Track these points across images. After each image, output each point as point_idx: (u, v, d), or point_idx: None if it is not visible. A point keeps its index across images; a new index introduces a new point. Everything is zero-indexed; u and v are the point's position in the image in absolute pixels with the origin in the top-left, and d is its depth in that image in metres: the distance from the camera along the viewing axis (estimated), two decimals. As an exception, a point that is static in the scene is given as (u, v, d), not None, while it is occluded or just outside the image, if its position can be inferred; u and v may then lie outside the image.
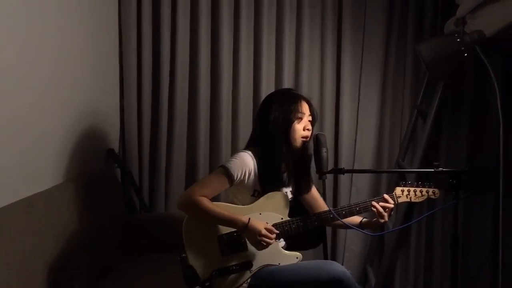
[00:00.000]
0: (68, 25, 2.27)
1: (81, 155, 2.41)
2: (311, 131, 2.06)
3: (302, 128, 2.03)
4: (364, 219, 2.13)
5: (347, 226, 2.13)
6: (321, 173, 1.95)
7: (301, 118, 2.03)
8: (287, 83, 3.08)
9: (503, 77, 2.91)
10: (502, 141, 2.35)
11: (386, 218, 2.02)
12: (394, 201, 2.06)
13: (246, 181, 1.99)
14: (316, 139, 1.97)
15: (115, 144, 2.89)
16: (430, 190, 2.09)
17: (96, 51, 2.61)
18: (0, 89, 1.71)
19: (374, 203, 2.03)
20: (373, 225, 2.09)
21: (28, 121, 1.91)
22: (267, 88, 3.05)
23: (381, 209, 2.01)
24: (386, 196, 2.05)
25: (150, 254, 2.57)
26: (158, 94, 2.97)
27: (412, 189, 2.08)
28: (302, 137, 2.03)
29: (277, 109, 2.02)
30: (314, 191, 2.22)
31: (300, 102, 2.05)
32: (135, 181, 2.91)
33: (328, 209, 2.06)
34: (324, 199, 2.19)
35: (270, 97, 2.13)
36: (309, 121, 2.06)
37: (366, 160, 3.19)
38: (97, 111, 2.63)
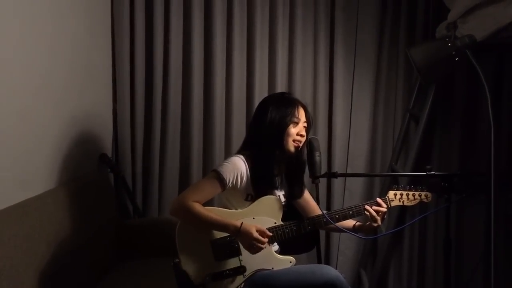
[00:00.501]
0: (60, 28, 2.26)
1: (73, 160, 2.40)
2: (305, 136, 2.06)
3: (295, 133, 2.03)
4: (357, 223, 2.14)
5: (340, 230, 2.14)
6: (315, 177, 1.95)
7: (296, 123, 2.04)
8: (280, 86, 3.09)
9: (494, 81, 2.93)
10: (494, 144, 2.36)
11: (379, 222, 2.03)
12: (387, 204, 2.07)
13: (239, 185, 1.99)
14: (309, 143, 1.97)
15: (108, 149, 2.88)
16: (423, 193, 2.10)
17: (89, 54, 2.61)
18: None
19: (367, 207, 2.04)
20: (366, 229, 2.10)
21: (20, 125, 1.90)
22: (260, 91, 3.06)
23: (374, 213, 2.02)
24: (379, 200, 2.06)
25: (143, 259, 2.56)
26: (151, 98, 2.97)
27: (404, 192, 2.09)
28: (294, 141, 2.04)
29: (273, 111, 2.03)
30: (306, 194, 2.22)
31: (297, 107, 2.06)
32: (128, 186, 2.90)
33: (321, 212, 2.06)
34: (318, 203, 2.19)
35: (266, 100, 2.14)
36: (304, 127, 2.07)
37: (359, 164, 3.20)
38: (90, 115, 2.62)
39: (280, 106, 2.04)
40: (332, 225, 2.06)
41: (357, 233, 2.13)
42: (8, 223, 1.69)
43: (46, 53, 2.12)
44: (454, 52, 2.33)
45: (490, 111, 2.26)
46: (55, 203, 2.06)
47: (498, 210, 2.45)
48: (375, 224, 2.04)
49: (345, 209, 2.06)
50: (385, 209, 2.04)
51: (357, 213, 2.06)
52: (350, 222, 2.15)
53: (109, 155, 2.85)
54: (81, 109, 2.51)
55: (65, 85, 2.31)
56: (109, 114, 2.93)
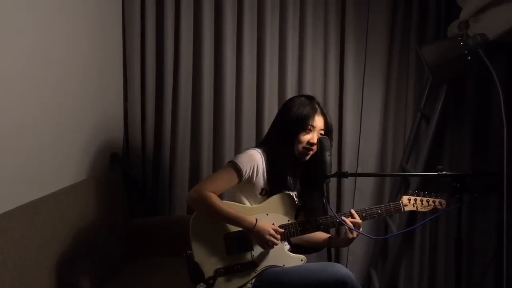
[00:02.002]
0: (72, 30, 2.28)
1: (85, 159, 2.41)
2: (315, 146, 2.03)
3: (306, 140, 2.03)
4: (333, 236, 2.15)
5: (315, 244, 2.19)
6: (325, 177, 1.95)
7: (309, 131, 2.03)
8: (290, 85, 3.08)
9: (507, 80, 2.90)
10: (506, 144, 2.34)
11: (355, 234, 2.01)
12: (400, 209, 2.07)
13: (254, 177, 2.00)
14: (320, 143, 1.97)
15: (119, 148, 2.90)
16: (437, 200, 2.11)
17: (100, 55, 2.63)
18: (4, 95, 1.72)
19: (344, 218, 2.02)
20: (342, 240, 2.09)
21: (32, 125, 1.92)
22: (270, 91, 3.06)
23: (351, 224, 2.00)
24: (352, 211, 2.04)
25: (153, 257, 2.58)
26: (161, 97, 2.98)
27: (419, 198, 2.10)
28: (304, 148, 2.03)
29: (289, 115, 2.03)
30: None
31: (315, 115, 2.04)
32: (138, 185, 2.92)
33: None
34: (328, 202, 2.19)
35: (291, 100, 2.12)
36: (320, 134, 2.05)
37: (369, 164, 3.18)
38: (101, 114, 2.64)
39: (299, 111, 2.03)
40: (304, 237, 2.10)
41: (331, 245, 2.17)
42: (21, 221, 1.71)
43: (59, 56, 2.14)
44: (466, 51, 2.32)
45: (503, 110, 2.24)
46: (66, 202, 2.07)
47: (510, 210, 2.44)
48: (351, 236, 2.01)
49: (358, 211, 2.05)
50: (359, 221, 2.02)
51: (370, 215, 2.05)
52: (324, 235, 2.15)
53: (120, 154, 2.86)
54: (93, 110, 2.53)
55: (77, 87, 2.33)
56: (120, 113, 2.94)
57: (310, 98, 2.12)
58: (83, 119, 2.41)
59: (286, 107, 2.09)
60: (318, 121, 2.05)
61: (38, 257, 1.78)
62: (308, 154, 2.05)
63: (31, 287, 1.71)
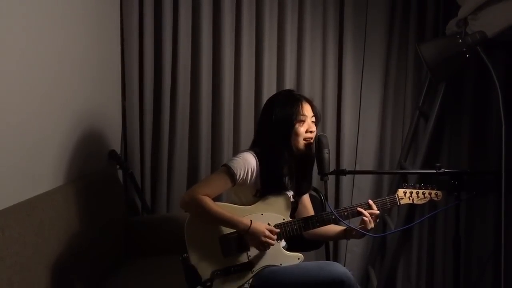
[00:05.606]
0: (70, 27, 2.27)
1: (83, 156, 2.40)
2: (314, 132, 2.05)
3: (304, 131, 2.02)
4: (348, 228, 2.12)
5: (327, 238, 2.19)
6: (323, 174, 1.95)
7: (303, 121, 2.02)
8: (289, 84, 3.08)
9: (505, 78, 2.90)
10: (504, 142, 2.35)
11: (372, 225, 2.00)
12: (396, 203, 2.06)
13: (248, 180, 1.98)
14: (318, 141, 1.97)
15: (117, 146, 2.89)
16: (433, 192, 2.09)
17: (98, 53, 2.61)
18: (1, 92, 1.71)
19: (360, 209, 2.01)
20: (357, 232, 2.05)
21: (30, 123, 1.91)
22: (269, 89, 3.06)
23: (368, 216, 1.99)
24: (370, 202, 2.03)
25: (151, 256, 2.57)
26: (160, 95, 2.97)
27: (414, 191, 2.08)
28: (305, 139, 2.03)
29: (279, 112, 2.01)
30: (306, 197, 2.22)
31: (302, 104, 2.03)
32: (137, 183, 2.91)
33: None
34: (326, 200, 2.19)
35: (272, 99, 2.12)
36: (312, 122, 2.06)
37: (368, 161, 3.19)
38: (99, 112, 2.63)
39: (285, 105, 2.02)
40: (317, 232, 2.08)
41: (347, 238, 2.12)
42: (18, 219, 1.70)
43: (57, 53, 2.13)
44: (465, 49, 2.32)
45: (501, 109, 2.24)
46: (64, 200, 2.07)
47: (508, 209, 2.44)
48: (369, 227, 2.00)
49: (353, 206, 2.05)
50: (377, 212, 2.01)
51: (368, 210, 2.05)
52: (338, 227, 2.14)
53: (118, 151, 2.85)
54: (91, 107, 2.52)
55: (75, 84, 2.32)
56: (118, 111, 2.93)
57: (289, 91, 2.15)
58: (81, 117, 2.40)
59: (271, 107, 2.05)
60: (307, 109, 2.05)
61: (36, 255, 1.77)
62: (310, 143, 2.04)
63: (29, 285, 1.71)
